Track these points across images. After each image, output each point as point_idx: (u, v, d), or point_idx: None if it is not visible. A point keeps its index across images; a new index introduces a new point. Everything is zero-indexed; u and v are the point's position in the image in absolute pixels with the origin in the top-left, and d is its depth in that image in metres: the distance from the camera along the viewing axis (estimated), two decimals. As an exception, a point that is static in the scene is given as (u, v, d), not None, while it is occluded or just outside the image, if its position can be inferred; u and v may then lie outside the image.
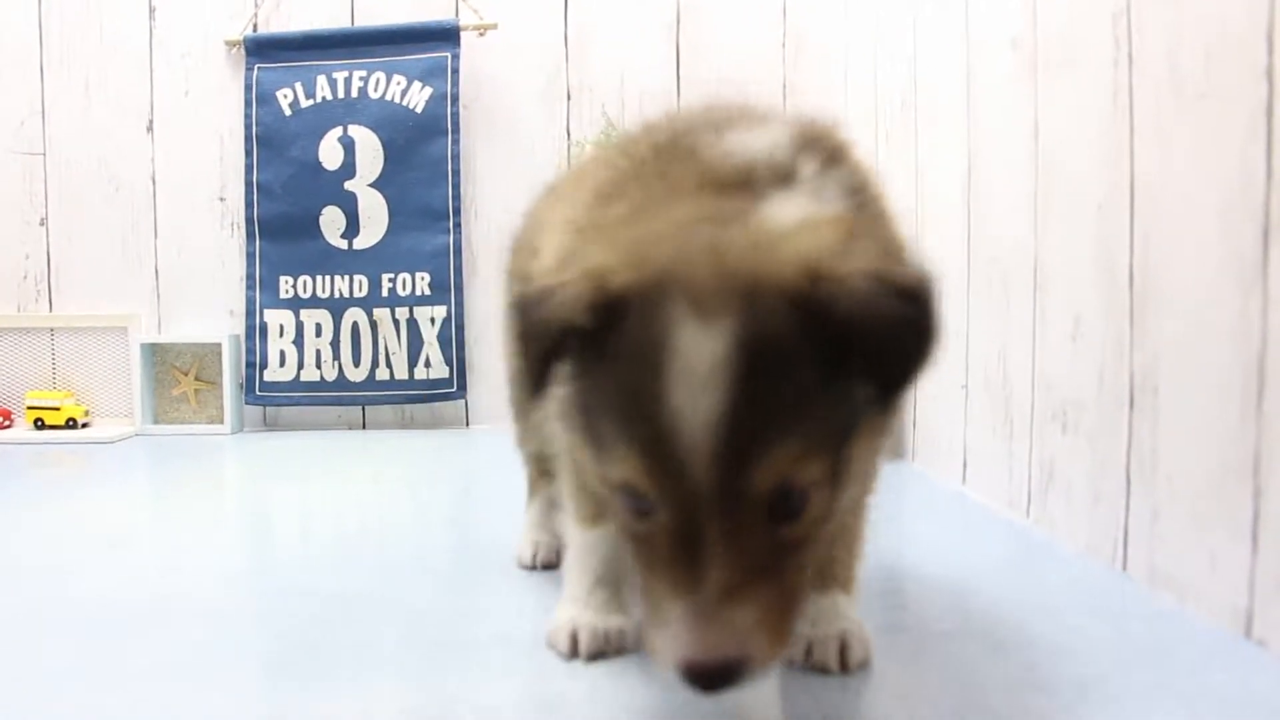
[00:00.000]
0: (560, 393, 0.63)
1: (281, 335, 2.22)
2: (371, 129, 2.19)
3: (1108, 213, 1.07)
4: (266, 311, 2.23)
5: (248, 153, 2.22)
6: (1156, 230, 0.99)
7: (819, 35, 2.16)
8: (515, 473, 1.19)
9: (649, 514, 0.57)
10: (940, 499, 1.45)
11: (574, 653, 0.81)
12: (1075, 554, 1.11)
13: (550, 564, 1.09)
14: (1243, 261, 0.85)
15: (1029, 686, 0.77)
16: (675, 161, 0.69)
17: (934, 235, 1.55)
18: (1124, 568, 1.03)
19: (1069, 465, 1.16)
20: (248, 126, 2.22)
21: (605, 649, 0.81)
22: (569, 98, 2.21)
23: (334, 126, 2.20)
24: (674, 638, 0.55)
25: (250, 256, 2.24)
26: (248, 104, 2.22)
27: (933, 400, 1.60)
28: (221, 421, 2.23)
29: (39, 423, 2.23)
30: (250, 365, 2.24)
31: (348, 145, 2.19)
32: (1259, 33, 0.83)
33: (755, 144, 0.68)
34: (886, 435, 0.64)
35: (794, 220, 0.60)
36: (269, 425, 2.28)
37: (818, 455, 0.56)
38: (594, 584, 0.83)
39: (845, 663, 0.78)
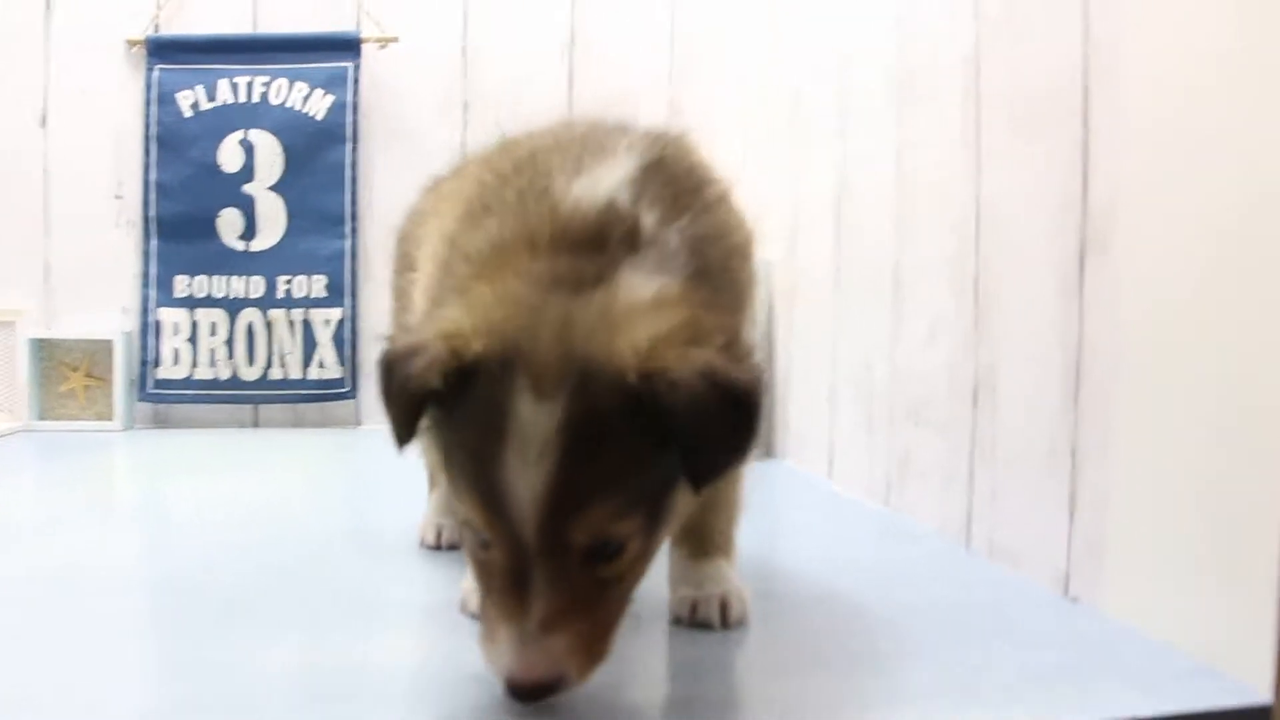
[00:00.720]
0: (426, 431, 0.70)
1: (176, 333, 2.24)
2: (272, 134, 2.23)
3: (960, 230, 1.21)
4: (161, 309, 2.25)
5: (146, 151, 2.24)
6: (997, 247, 1.13)
7: (708, 59, 2.29)
8: (406, 469, 1.22)
9: (488, 548, 0.66)
10: (808, 492, 1.58)
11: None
12: (927, 534, 1.25)
13: (454, 544, 1.15)
14: (1064, 275, 1.00)
15: (884, 638, 0.89)
16: (531, 201, 0.75)
17: (807, 245, 1.69)
18: (968, 544, 1.17)
19: (922, 456, 1.30)
20: (147, 126, 2.24)
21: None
22: (465, 110, 2.30)
23: (234, 130, 2.23)
24: (500, 656, 0.64)
25: (146, 254, 2.25)
26: (147, 103, 2.24)
27: (802, 401, 1.73)
28: (111, 418, 2.24)
29: (-81, 418, 2.20)
30: (144, 363, 2.25)
31: (248, 149, 2.23)
32: (1076, 82, 0.98)
33: (601, 190, 0.73)
34: (718, 481, 0.71)
35: (641, 299, 0.67)
36: (159, 423, 2.29)
37: (634, 512, 0.65)
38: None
39: (726, 619, 0.88)
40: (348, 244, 2.25)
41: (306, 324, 2.25)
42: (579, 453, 0.62)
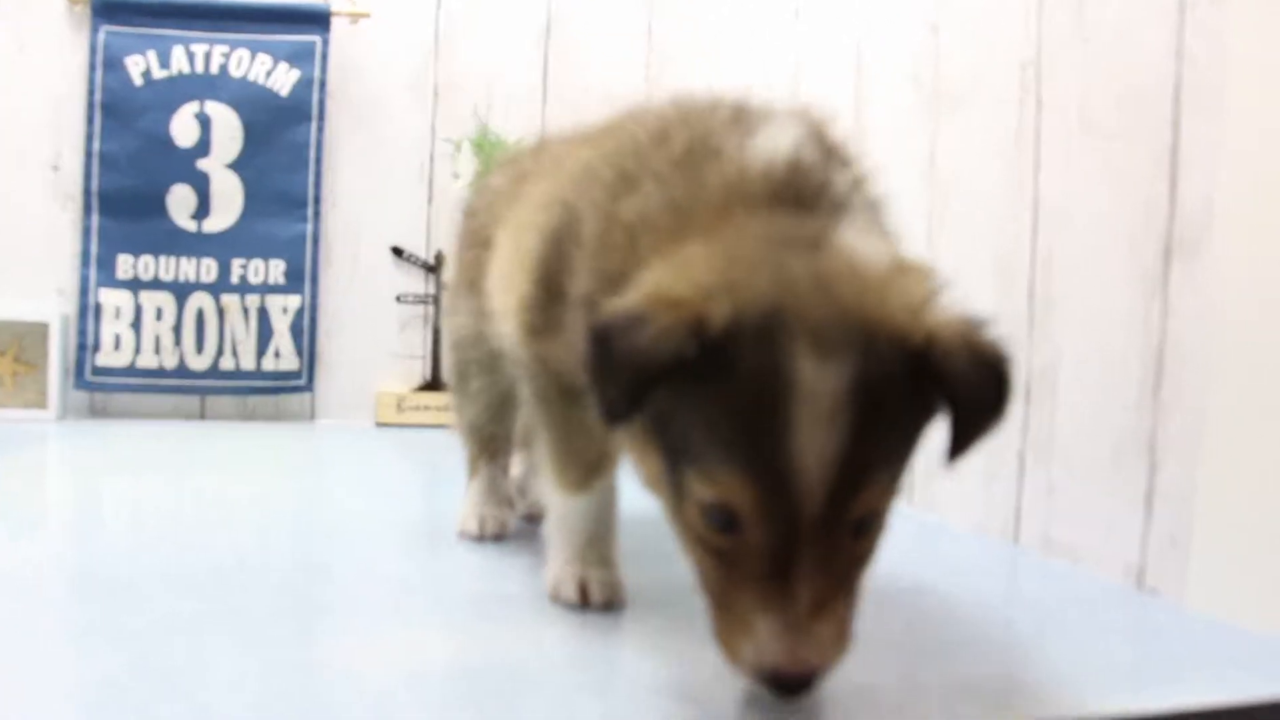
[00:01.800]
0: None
1: (118, 317, 2.11)
2: (231, 107, 2.12)
3: (1008, 232, 1.23)
4: (102, 291, 2.11)
5: (89, 120, 2.10)
6: (1060, 248, 1.15)
7: (684, 56, 2.28)
8: (367, 466, 1.16)
9: (734, 531, 0.59)
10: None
11: (585, 601, 0.85)
12: (964, 532, 1.26)
13: (500, 535, 1.11)
14: (1146, 275, 1.02)
15: (947, 630, 0.88)
16: (704, 163, 0.70)
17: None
18: (1016, 540, 1.18)
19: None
20: (90, 92, 2.10)
21: (613, 599, 0.85)
22: (436, 95, 2.23)
23: (189, 101, 2.11)
24: (763, 647, 0.59)
25: (86, 232, 2.11)
26: (92, 68, 2.10)
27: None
28: (45, 407, 2.09)
29: None
30: (81, 348, 2.11)
31: (204, 122, 2.11)
32: (1166, 89, 1.00)
33: (784, 147, 0.69)
34: None
35: (884, 262, 0.63)
36: (97, 413, 2.15)
37: (895, 486, 0.62)
38: (587, 542, 0.86)
39: None
40: (309, 228, 2.16)
41: (262, 311, 2.14)
42: (866, 420, 0.57)
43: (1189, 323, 0.97)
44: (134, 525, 1.26)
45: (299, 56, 2.14)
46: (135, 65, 2.11)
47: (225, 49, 2.13)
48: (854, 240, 0.64)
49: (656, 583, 0.90)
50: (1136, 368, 1.02)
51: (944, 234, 1.36)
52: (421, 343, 2.24)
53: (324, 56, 2.15)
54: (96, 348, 2.11)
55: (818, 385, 0.56)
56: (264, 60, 2.13)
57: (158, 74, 2.12)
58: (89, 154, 2.11)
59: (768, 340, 0.57)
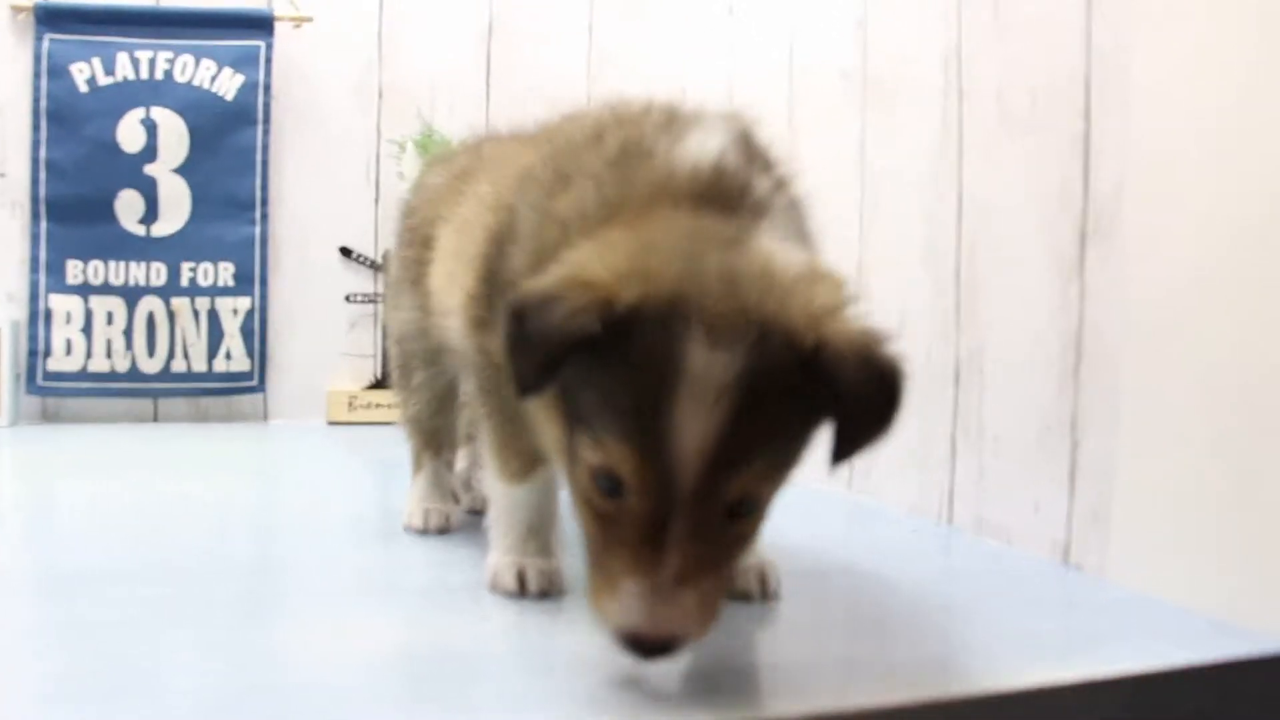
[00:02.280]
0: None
1: (69, 322, 2.10)
2: (177, 113, 2.12)
3: (935, 221, 1.26)
4: (52, 296, 2.10)
5: (35, 128, 2.09)
6: (983, 236, 1.19)
7: (624, 51, 2.30)
8: (318, 464, 1.14)
9: (618, 496, 0.63)
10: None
11: (523, 590, 0.87)
12: (900, 515, 1.30)
13: (444, 529, 1.12)
14: (1063, 260, 1.06)
15: (887, 607, 0.92)
16: (634, 163, 0.74)
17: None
18: (950, 522, 1.22)
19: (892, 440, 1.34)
20: (35, 100, 2.09)
21: (549, 588, 0.87)
22: (380, 96, 2.24)
23: (135, 107, 2.11)
24: (625, 609, 0.62)
25: (35, 238, 2.10)
26: (36, 75, 2.10)
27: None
28: (-6, 413, 2.08)
29: None
30: (33, 354, 2.10)
31: (150, 128, 2.11)
32: (1078, 79, 1.04)
33: (710, 151, 0.73)
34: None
35: (797, 266, 0.66)
36: (49, 418, 2.14)
37: (777, 474, 0.65)
38: (527, 531, 0.89)
39: (765, 590, 0.89)
40: (257, 230, 2.16)
41: (213, 313, 2.15)
42: (749, 408, 0.60)
43: (1105, 304, 1.01)
44: (89, 526, 1.26)
45: (243, 61, 2.15)
46: (80, 72, 2.11)
47: (170, 55, 2.13)
48: (770, 244, 0.68)
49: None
50: (1057, 349, 1.06)
51: (876, 225, 1.40)
52: (371, 341, 2.25)
53: (268, 61, 2.15)
54: (48, 353, 2.11)
55: (705, 372, 0.60)
56: (208, 65, 2.14)
57: (103, 80, 2.12)
58: (35, 161, 2.10)
59: (666, 326, 0.61)
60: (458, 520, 1.15)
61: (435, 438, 1.17)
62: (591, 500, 0.65)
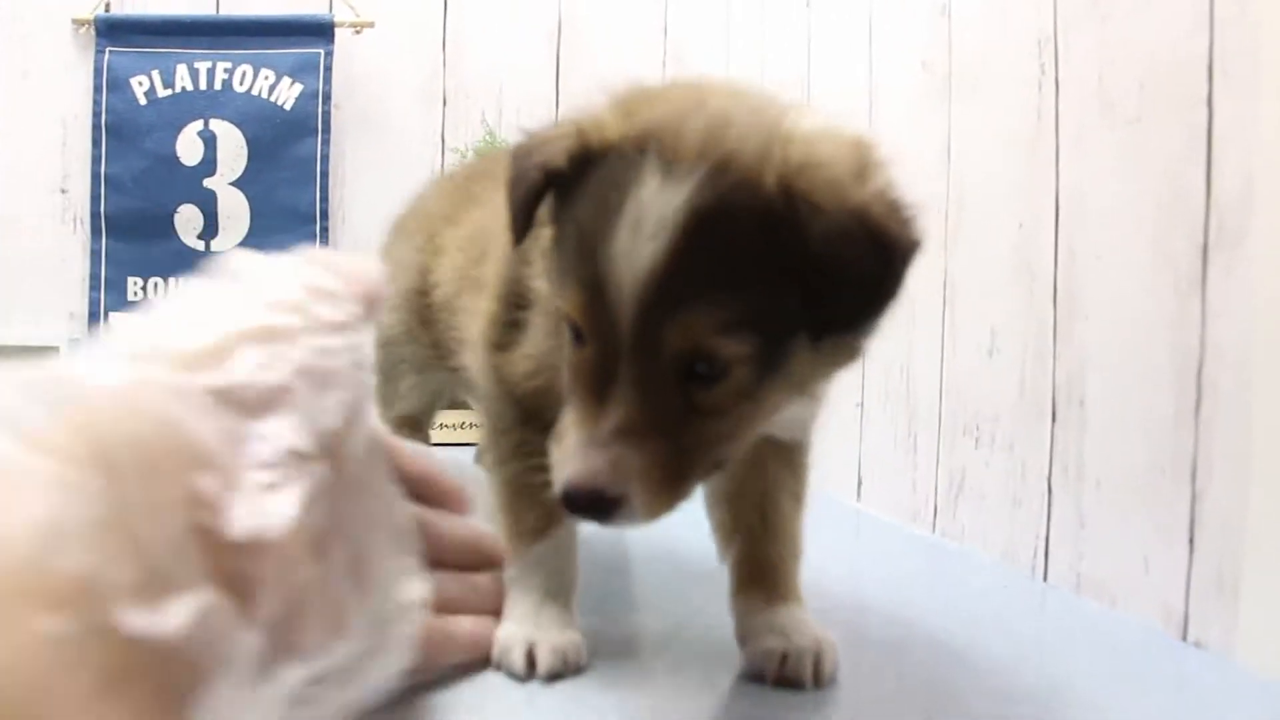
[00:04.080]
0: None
1: (128, 340, 2.06)
2: (235, 124, 2.06)
3: (1029, 229, 1.10)
4: (112, 315, 2.07)
5: (95, 143, 2.06)
6: (1083, 245, 1.02)
7: (700, 48, 2.18)
8: None
9: (582, 343, 0.58)
10: (833, 512, 1.45)
11: (531, 671, 0.72)
12: (990, 563, 1.14)
13: None
14: (1181, 273, 0.89)
15: (978, 678, 0.77)
16: None
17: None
18: (1045, 575, 1.06)
19: (981, 477, 1.19)
20: (96, 114, 2.06)
21: (563, 669, 0.72)
22: (445, 102, 2.15)
23: (194, 119, 2.06)
24: (565, 461, 0.57)
25: (95, 255, 2.07)
26: (96, 89, 2.06)
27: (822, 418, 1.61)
28: (56, 432, 2.05)
29: None
30: (92, 371, 2.06)
31: (208, 140, 2.06)
32: (1199, 64, 0.87)
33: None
34: (842, 360, 0.62)
35: (812, 123, 0.59)
36: (110, 437, 2.11)
37: (740, 334, 0.55)
38: (542, 600, 0.74)
39: (819, 676, 0.74)
40: (317, 244, 2.09)
41: (272, 330, 2.08)
42: (694, 244, 0.54)
43: (1230, 324, 0.84)
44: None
45: (302, 69, 2.08)
46: (139, 85, 2.07)
47: (228, 65, 2.07)
48: (804, 116, 0.60)
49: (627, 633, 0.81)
50: (1172, 377, 0.89)
51: (962, 232, 1.24)
52: (436, 360, 2.16)
53: (328, 69, 2.08)
54: (107, 373, 2.07)
55: (650, 200, 0.54)
56: (267, 75, 2.07)
57: (162, 93, 2.07)
58: (95, 176, 2.07)
59: (629, 161, 0.56)
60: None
61: (416, 436, 1.15)
62: (569, 355, 0.60)
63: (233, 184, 2.06)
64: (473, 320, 0.83)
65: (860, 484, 1.49)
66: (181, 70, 2.07)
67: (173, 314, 0.44)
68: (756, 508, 0.76)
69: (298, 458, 0.41)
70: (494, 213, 0.80)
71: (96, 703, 0.31)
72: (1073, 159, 1.04)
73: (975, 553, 1.17)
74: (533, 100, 2.16)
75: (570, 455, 0.56)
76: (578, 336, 0.59)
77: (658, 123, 0.57)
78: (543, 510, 0.74)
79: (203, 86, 2.07)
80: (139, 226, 2.05)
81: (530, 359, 0.71)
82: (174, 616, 0.34)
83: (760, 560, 0.76)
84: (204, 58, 2.07)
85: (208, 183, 2.06)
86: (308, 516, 0.40)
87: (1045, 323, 1.07)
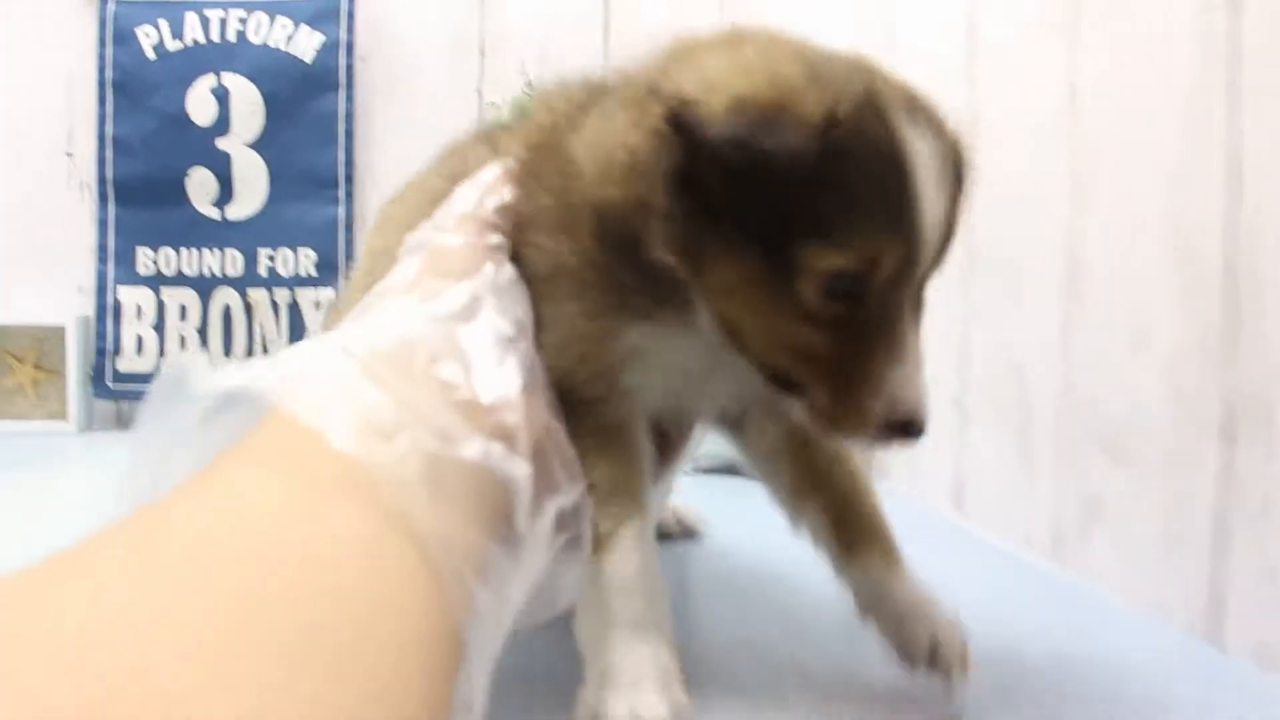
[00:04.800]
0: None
1: (139, 317, 1.89)
2: (250, 79, 1.86)
3: (1190, 200, 0.86)
4: (121, 289, 1.89)
5: (100, 101, 1.88)
6: (1272, 219, 0.79)
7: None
8: None
9: (851, 298, 0.59)
10: (933, 528, 1.23)
11: None
12: (1126, 608, 0.91)
13: None
14: None
15: None
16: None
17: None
18: (1217, 637, 0.83)
19: (1121, 504, 0.96)
20: (100, 70, 1.88)
21: None
22: (482, 53, 1.94)
23: (205, 74, 1.87)
24: (897, 398, 0.58)
25: (102, 223, 1.90)
26: (101, 43, 1.88)
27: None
28: (65, 418, 1.89)
29: None
30: (101, 352, 1.90)
31: (221, 96, 1.87)
32: None
33: None
34: None
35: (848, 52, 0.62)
36: (123, 423, 1.94)
37: None
38: (635, 637, 0.59)
39: (964, 663, 0.67)
40: (341, 211, 1.89)
41: (293, 306, 1.89)
42: (955, 184, 0.62)
43: None
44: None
45: (322, 17, 1.87)
46: (146, 37, 1.88)
47: (242, 13, 1.87)
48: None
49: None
50: None
51: (1095, 205, 1.01)
52: (472, 339, 1.96)
53: (350, 15, 1.87)
54: (117, 351, 1.90)
55: (928, 158, 0.58)
56: (284, 23, 1.87)
57: (170, 45, 1.88)
58: (101, 137, 1.89)
59: (876, 122, 0.58)
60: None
61: None
62: (817, 313, 0.59)
63: (249, 145, 1.87)
64: None
65: (960, 494, 1.27)
66: (191, 20, 1.87)
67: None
68: (833, 460, 0.73)
69: (507, 339, 0.57)
70: None
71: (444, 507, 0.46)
72: (1256, 107, 0.80)
73: (1111, 597, 0.95)
74: (580, 48, 1.94)
75: (901, 393, 0.58)
76: (851, 289, 0.58)
77: (864, 88, 0.58)
78: (618, 505, 0.62)
79: (214, 38, 1.88)
80: (148, 192, 1.87)
81: (554, 347, 0.63)
82: (469, 449, 0.49)
83: (861, 516, 0.72)
84: (215, 5, 1.87)
85: (221, 144, 1.88)
86: (529, 377, 0.55)
87: (1212, 318, 0.84)
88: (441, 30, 1.93)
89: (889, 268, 0.58)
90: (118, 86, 1.88)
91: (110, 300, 1.89)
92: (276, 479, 0.43)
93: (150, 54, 1.88)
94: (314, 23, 1.87)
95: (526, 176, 0.66)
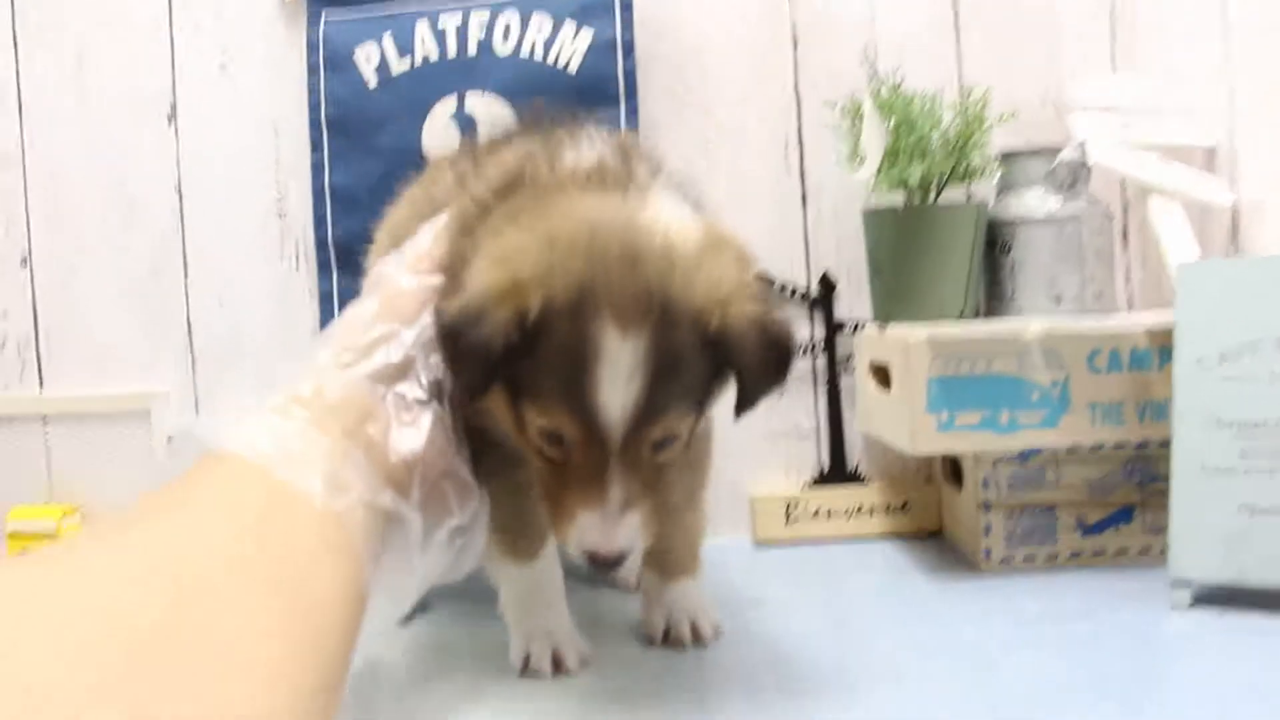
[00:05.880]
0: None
1: (378, 415, 1.49)
2: (502, 97, 1.45)
3: None
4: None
5: (315, 146, 1.49)
6: None
7: None
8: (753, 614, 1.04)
9: (563, 446, 0.77)
10: None
11: (559, 670, 0.95)
12: None
13: None
14: None
15: None
16: (522, 174, 0.86)
17: None
18: None
19: None
20: (314, 108, 1.49)
21: (587, 662, 0.96)
22: (795, 44, 1.48)
23: (444, 97, 1.45)
24: (583, 534, 0.77)
25: (324, 297, 1.50)
26: (312, 73, 1.49)
27: None
28: (294, 545, 1.50)
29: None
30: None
31: (466, 125, 1.45)
32: None
33: (588, 156, 0.86)
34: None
35: (692, 237, 0.78)
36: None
37: (691, 413, 0.80)
38: (545, 609, 0.98)
39: (698, 637, 1.00)
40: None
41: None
42: (659, 376, 0.74)
43: None
44: None
45: (590, 11, 1.44)
46: (367, 60, 1.48)
47: (484, 15, 1.46)
48: (665, 213, 0.79)
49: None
50: None
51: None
52: (811, 411, 1.49)
53: (626, 8, 1.44)
54: (354, 461, 1.50)
55: (618, 353, 0.73)
56: (541, 24, 1.45)
57: (397, 67, 1.48)
58: (319, 191, 1.51)
59: (579, 316, 0.74)
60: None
61: None
62: (542, 450, 0.79)
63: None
64: None
65: None
66: (423, 31, 1.47)
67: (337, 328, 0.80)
68: (675, 503, 0.98)
69: (421, 402, 0.76)
70: None
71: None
72: None
73: None
74: (920, 28, 1.47)
75: (590, 530, 0.77)
76: (556, 442, 0.77)
77: (586, 280, 0.74)
78: (536, 533, 0.96)
79: (452, 52, 1.47)
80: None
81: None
82: (383, 499, 0.71)
83: (671, 542, 0.99)
84: (453, 9, 1.46)
85: (470, 186, 1.46)
86: (433, 434, 0.75)
87: None
88: (740, 19, 1.48)
89: (577, 434, 0.76)
90: (335, 125, 1.49)
91: (342, 395, 1.50)
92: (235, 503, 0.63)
93: (372, 80, 1.48)
94: (580, 18, 1.44)
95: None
